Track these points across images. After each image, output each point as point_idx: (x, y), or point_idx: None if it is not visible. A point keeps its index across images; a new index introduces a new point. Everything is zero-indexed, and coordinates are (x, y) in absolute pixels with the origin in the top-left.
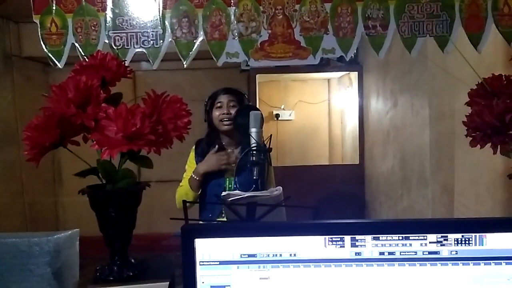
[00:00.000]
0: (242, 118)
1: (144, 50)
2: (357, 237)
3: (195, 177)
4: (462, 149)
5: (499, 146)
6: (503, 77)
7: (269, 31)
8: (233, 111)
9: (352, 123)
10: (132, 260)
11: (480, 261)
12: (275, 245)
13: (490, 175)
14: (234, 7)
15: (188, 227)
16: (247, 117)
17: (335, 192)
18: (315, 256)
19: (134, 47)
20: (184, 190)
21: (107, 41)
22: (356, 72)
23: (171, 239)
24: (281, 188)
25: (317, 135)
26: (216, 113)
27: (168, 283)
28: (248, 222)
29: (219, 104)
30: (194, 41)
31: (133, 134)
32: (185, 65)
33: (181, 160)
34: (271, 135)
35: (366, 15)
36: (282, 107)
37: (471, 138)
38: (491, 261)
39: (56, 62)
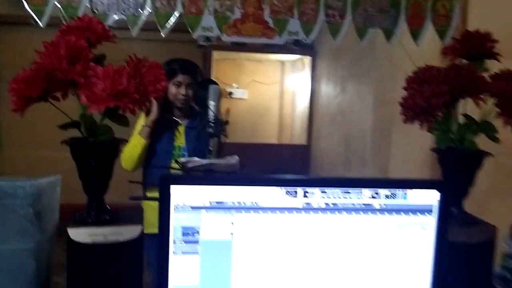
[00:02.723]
0: (201, 91)
1: (124, 17)
2: (308, 189)
3: (145, 125)
4: (399, 132)
5: (426, 124)
6: (433, 68)
7: (242, 10)
8: (189, 92)
9: (302, 105)
10: (108, 207)
11: (403, 212)
12: (240, 194)
13: (419, 154)
14: None
15: (165, 175)
16: (206, 90)
17: (282, 170)
18: (273, 204)
19: (114, 13)
20: (132, 142)
21: (88, 6)
22: (310, 57)
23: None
24: (237, 157)
25: (268, 115)
26: (173, 89)
27: (141, 226)
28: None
29: (177, 83)
30: (173, 13)
31: (119, 92)
32: (163, 35)
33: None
34: (228, 109)
35: (327, 5)
36: (236, 86)
37: (404, 116)
38: (411, 213)
39: (38, 21)
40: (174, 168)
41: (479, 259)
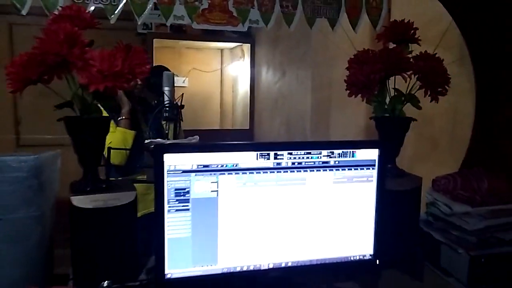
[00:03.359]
0: (155, 78)
1: (102, 6)
2: (278, 152)
3: (124, 117)
4: (336, 111)
5: (366, 97)
6: (369, 51)
7: (209, 1)
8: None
9: (243, 92)
10: (101, 178)
11: (352, 167)
12: (222, 159)
13: (356, 130)
14: None
15: (158, 146)
16: (160, 77)
17: None
18: (250, 165)
19: (94, 2)
20: (119, 137)
21: None
22: (249, 44)
23: None
24: (197, 137)
25: (209, 102)
26: None
27: (135, 192)
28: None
29: None
30: (147, 3)
31: (116, 73)
32: (139, 22)
33: None
34: (182, 94)
35: None
36: (176, 74)
37: (349, 91)
38: (358, 167)
39: (20, 9)
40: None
41: (409, 203)
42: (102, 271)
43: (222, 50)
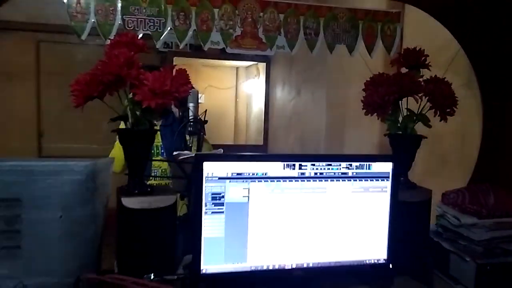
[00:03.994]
0: None
1: (149, 32)
2: (302, 163)
3: None
4: (350, 129)
5: (381, 116)
6: (384, 74)
7: (242, 29)
8: None
9: (257, 109)
10: (145, 182)
11: (369, 179)
12: (253, 168)
13: (369, 147)
14: (217, 9)
15: (199, 155)
16: None
17: None
18: (277, 174)
19: (142, 29)
20: (118, 146)
21: (121, 23)
22: (264, 63)
23: None
24: (222, 150)
25: (224, 118)
26: None
27: (178, 194)
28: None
29: None
30: (188, 30)
31: (165, 91)
32: (180, 47)
33: None
34: (206, 110)
35: (305, 26)
36: None
37: (365, 110)
38: (374, 179)
39: (80, 34)
40: (167, 160)
41: (420, 214)
42: (144, 265)
43: (237, 68)
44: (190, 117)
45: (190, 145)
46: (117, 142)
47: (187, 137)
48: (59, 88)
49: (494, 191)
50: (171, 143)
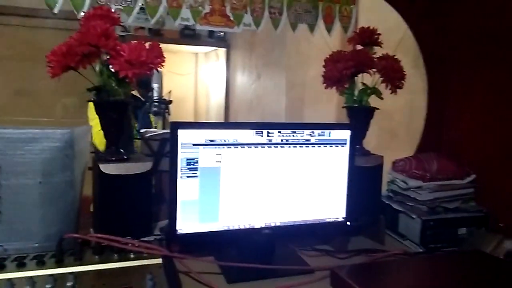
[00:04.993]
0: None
1: (121, 7)
2: (270, 131)
3: None
4: (309, 109)
5: (340, 89)
6: (341, 51)
7: (210, 6)
8: None
9: (217, 94)
10: (121, 150)
11: (328, 145)
12: (225, 135)
13: None
14: None
15: (174, 123)
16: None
17: None
18: (247, 141)
19: (114, 5)
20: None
21: None
22: (225, 49)
23: None
24: None
25: (183, 104)
26: None
27: (152, 161)
28: (159, 155)
29: None
30: (159, 6)
31: (141, 62)
32: (152, 23)
33: None
34: (170, 91)
35: (270, 5)
36: None
37: (325, 84)
38: (334, 145)
39: (53, 8)
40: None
41: (373, 178)
42: (121, 229)
43: (196, 54)
44: (155, 98)
45: (155, 125)
46: (94, 120)
47: (152, 117)
48: (7, 74)
49: (437, 158)
50: (142, 125)
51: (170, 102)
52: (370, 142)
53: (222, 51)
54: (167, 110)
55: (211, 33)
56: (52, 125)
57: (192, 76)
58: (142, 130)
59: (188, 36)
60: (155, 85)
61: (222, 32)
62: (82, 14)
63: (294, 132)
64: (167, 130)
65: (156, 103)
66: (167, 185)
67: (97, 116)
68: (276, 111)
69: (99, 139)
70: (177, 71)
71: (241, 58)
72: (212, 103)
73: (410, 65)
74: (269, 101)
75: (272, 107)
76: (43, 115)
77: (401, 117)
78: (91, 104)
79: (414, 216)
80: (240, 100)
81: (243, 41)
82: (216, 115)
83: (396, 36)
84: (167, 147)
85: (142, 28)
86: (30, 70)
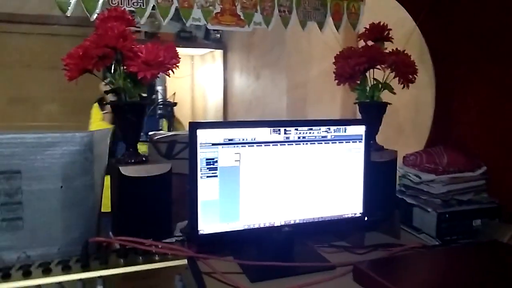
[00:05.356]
0: None
1: (133, 9)
2: (287, 129)
3: (108, 111)
4: (312, 108)
5: (352, 85)
6: (352, 47)
7: (221, 6)
8: None
9: (215, 96)
10: (140, 152)
11: (345, 141)
12: (244, 134)
13: None
14: None
15: (193, 123)
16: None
17: None
18: (265, 139)
19: (126, 6)
20: (100, 128)
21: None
22: (221, 50)
23: None
24: None
25: (180, 107)
26: None
27: (170, 164)
28: (167, 157)
29: None
30: (170, 6)
31: (159, 62)
32: (164, 23)
33: None
34: (174, 93)
35: (279, 4)
36: None
37: (337, 81)
38: (350, 140)
39: (65, 12)
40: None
41: (388, 172)
42: (142, 231)
43: (192, 56)
44: (160, 100)
45: (160, 128)
46: (95, 123)
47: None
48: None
49: (446, 152)
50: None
51: (175, 104)
52: (377, 138)
53: (218, 53)
54: (172, 113)
55: (207, 35)
56: (51, 129)
57: (189, 78)
58: (150, 133)
59: (184, 39)
60: (159, 88)
61: (218, 34)
62: (95, 16)
63: (311, 129)
64: (175, 132)
65: (161, 106)
66: (177, 187)
67: (98, 120)
68: (277, 111)
69: None
70: (173, 74)
71: (238, 60)
72: (210, 105)
73: (416, 61)
74: (270, 101)
75: (272, 108)
76: (40, 121)
77: (407, 112)
78: (95, 108)
79: (429, 210)
80: (238, 102)
81: (240, 42)
82: (214, 117)
83: (400, 34)
84: (175, 149)
85: (138, 31)
86: (25, 76)
